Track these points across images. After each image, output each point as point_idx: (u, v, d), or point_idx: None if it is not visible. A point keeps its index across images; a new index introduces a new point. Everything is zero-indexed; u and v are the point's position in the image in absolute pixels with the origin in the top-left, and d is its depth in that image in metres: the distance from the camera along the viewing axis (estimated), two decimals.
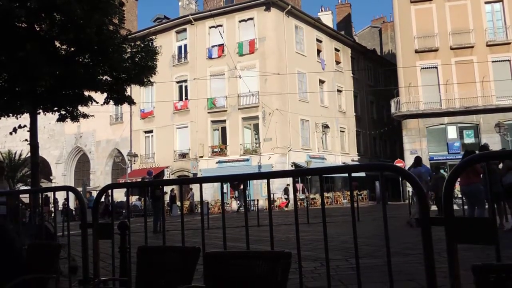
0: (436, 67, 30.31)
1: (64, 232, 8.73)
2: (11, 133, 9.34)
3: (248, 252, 2.49)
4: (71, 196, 3.74)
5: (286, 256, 2.15)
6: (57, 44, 8.87)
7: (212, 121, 32.08)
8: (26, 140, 9.31)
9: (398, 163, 27.49)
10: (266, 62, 30.60)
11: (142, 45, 9.97)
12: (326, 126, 33.87)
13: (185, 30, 33.90)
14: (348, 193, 15.88)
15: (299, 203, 22.40)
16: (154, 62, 9.99)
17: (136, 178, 30.67)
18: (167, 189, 23.42)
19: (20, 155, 36.69)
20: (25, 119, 9.44)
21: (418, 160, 11.42)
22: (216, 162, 31.02)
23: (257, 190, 27.93)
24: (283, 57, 31.21)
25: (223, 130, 31.81)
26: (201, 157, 31.72)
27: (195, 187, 28.49)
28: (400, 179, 27.23)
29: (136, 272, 2.88)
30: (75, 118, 9.96)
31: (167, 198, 23.76)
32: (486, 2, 30.19)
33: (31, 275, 3.03)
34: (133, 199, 30.35)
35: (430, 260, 2.00)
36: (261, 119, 30.36)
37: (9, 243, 3.07)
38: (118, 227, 3.39)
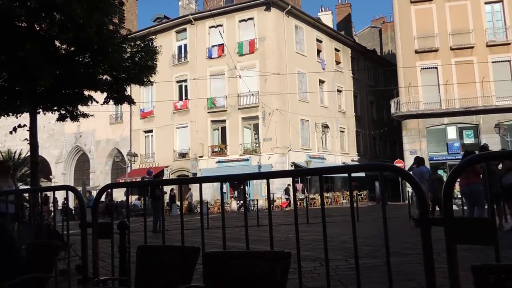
0: (436, 68, 30.32)
1: (64, 232, 8.72)
2: (11, 132, 9.35)
3: (248, 252, 2.49)
4: (71, 195, 3.74)
5: (285, 256, 2.15)
6: (57, 43, 8.87)
7: (212, 121, 32.08)
8: (26, 139, 9.31)
9: (398, 163, 27.49)
10: (266, 62, 30.60)
11: (142, 44, 9.96)
12: (326, 126, 33.87)
13: (185, 30, 33.90)
14: (348, 193, 15.89)
15: (298, 203, 22.41)
16: (154, 62, 9.98)
17: (135, 177, 30.68)
18: (167, 188, 23.42)
19: (20, 154, 36.65)
20: (25, 118, 9.44)
21: (420, 160, 11.48)
22: (216, 162, 31.03)
23: (257, 190, 27.94)
24: (283, 57, 31.21)
25: (223, 130, 31.81)
26: (201, 156, 31.72)
27: (194, 187, 28.50)
28: (399, 180, 27.25)
29: (135, 271, 2.88)
30: (75, 117, 9.96)
31: (166, 197, 23.77)
32: (486, 3, 30.20)
33: (30, 274, 3.03)
34: (133, 198, 30.35)
35: (429, 260, 2.01)
36: (261, 119, 30.36)
37: (9, 243, 3.07)
38: (118, 227, 3.39)
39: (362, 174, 26.80)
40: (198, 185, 3.10)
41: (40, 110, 9.42)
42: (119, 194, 23.03)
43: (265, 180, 2.92)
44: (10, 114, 9.49)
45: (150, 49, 9.92)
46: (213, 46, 32.22)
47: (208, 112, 31.99)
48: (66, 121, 10.15)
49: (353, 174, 2.49)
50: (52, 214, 13.07)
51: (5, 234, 3.10)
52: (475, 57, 29.57)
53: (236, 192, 30.37)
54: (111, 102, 10.16)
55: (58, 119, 10.11)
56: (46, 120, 27.45)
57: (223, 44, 30.93)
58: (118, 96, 10.05)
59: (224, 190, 28.15)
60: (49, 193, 14.92)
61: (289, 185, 27.33)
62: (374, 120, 41.75)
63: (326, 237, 2.44)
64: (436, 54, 30.34)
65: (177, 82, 33.72)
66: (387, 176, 20.06)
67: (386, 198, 18.20)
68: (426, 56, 30.46)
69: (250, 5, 31.60)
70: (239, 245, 7.11)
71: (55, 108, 9.61)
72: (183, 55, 33.96)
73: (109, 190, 3.71)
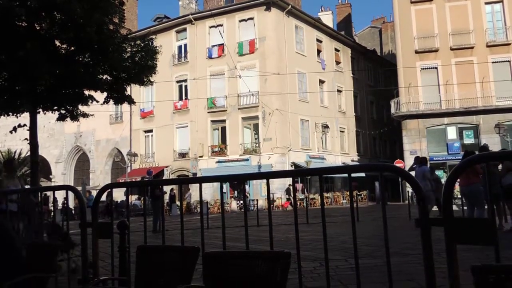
0: (436, 68, 30.32)
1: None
2: (11, 132, 9.36)
3: (248, 252, 2.49)
4: (71, 195, 3.74)
5: (285, 256, 2.15)
6: (57, 43, 8.87)
7: (212, 121, 32.08)
8: (26, 139, 9.31)
9: (398, 164, 27.50)
10: (266, 62, 30.60)
11: (142, 44, 9.97)
12: (326, 126, 33.87)
13: (185, 29, 33.89)
14: (348, 193, 15.88)
15: (298, 203, 22.41)
16: (154, 62, 9.99)
17: (135, 177, 30.65)
18: (167, 188, 23.42)
19: (20, 154, 36.59)
20: (25, 118, 9.45)
21: (423, 159, 11.54)
22: (216, 162, 31.03)
23: (257, 190, 27.94)
24: (283, 57, 31.21)
25: (223, 129, 31.81)
26: (201, 156, 31.72)
27: (194, 187, 28.49)
28: (399, 180, 27.25)
29: (135, 271, 2.88)
30: (75, 117, 9.97)
31: (166, 197, 23.77)
32: (486, 3, 30.20)
33: (30, 274, 3.03)
34: (133, 198, 30.35)
35: (429, 260, 2.01)
36: (261, 119, 30.36)
37: (9, 242, 3.07)
38: (118, 227, 3.39)
39: (362, 174, 26.80)
40: (197, 185, 3.10)
41: (40, 109, 9.43)
42: (119, 194, 23.03)
43: (265, 180, 2.92)
44: (10, 113, 9.50)
45: (150, 49, 9.92)
46: (213, 46, 32.22)
47: (208, 112, 31.99)
48: (66, 120, 10.16)
49: (353, 174, 2.49)
50: (52, 214, 13.06)
51: (5, 233, 3.10)
52: (475, 57, 29.57)
53: (236, 192, 30.37)
54: (111, 102, 10.17)
55: (58, 119, 10.12)
56: (46, 120, 27.46)
57: (223, 44, 30.92)
58: (118, 96, 10.06)
59: (224, 190, 28.15)
60: (49, 193, 14.91)
61: (290, 185, 27.34)
62: (374, 120, 41.76)
63: (326, 237, 2.44)
64: (436, 54, 30.34)
65: (177, 82, 33.72)
66: (387, 176, 20.06)
67: (386, 198, 18.20)
68: (426, 56, 30.46)
69: (250, 5, 31.60)
70: (239, 245, 7.11)
71: (55, 107, 9.62)
72: (183, 55, 33.96)
73: (109, 190, 3.71)
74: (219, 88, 31.85)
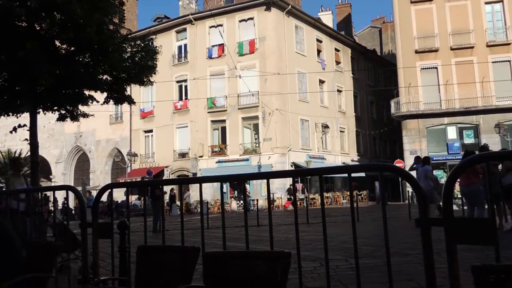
0: (436, 68, 30.31)
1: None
2: (11, 132, 9.36)
3: (248, 252, 2.49)
4: (71, 195, 3.74)
5: (285, 256, 2.15)
6: (57, 43, 8.87)
7: (212, 121, 32.08)
8: (26, 139, 9.31)
9: (398, 163, 27.51)
10: (266, 62, 30.60)
11: (142, 44, 9.95)
12: (326, 126, 33.87)
13: (185, 29, 33.90)
14: (348, 193, 15.88)
15: (298, 203, 22.41)
16: (154, 62, 9.98)
17: (135, 177, 30.68)
18: (167, 188, 23.42)
19: (20, 154, 36.57)
20: (25, 118, 9.45)
21: (426, 159, 11.57)
22: (216, 162, 31.03)
23: (257, 190, 27.95)
24: (283, 57, 31.21)
25: (223, 129, 31.81)
26: (201, 156, 31.72)
27: (194, 187, 28.50)
28: (399, 180, 27.25)
29: (135, 271, 2.88)
30: (75, 117, 9.96)
31: (166, 197, 23.77)
32: (486, 3, 30.20)
33: (30, 274, 3.03)
34: (133, 198, 30.35)
35: (429, 260, 2.01)
36: (261, 119, 30.37)
37: (9, 242, 3.07)
38: (118, 227, 3.39)
39: (362, 174, 26.80)
40: (197, 185, 3.10)
41: (40, 110, 9.43)
42: (119, 194, 23.03)
43: (265, 180, 2.92)
44: (10, 114, 9.49)
45: (150, 49, 9.91)
46: (213, 46, 32.22)
47: (208, 112, 31.99)
48: (66, 121, 10.15)
49: (353, 174, 2.49)
50: (52, 214, 13.06)
51: (5, 234, 3.10)
52: (475, 57, 29.58)
53: (236, 192, 30.37)
54: (111, 102, 10.16)
55: (58, 119, 10.11)
56: (46, 120, 27.46)
57: (223, 44, 30.93)
58: (118, 96, 10.05)
59: (224, 190, 28.14)
60: (49, 193, 14.91)
61: (291, 185, 27.35)
62: (374, 120, 41.76)
63: (326, 237, 2.44)
64: (436, 54, 30.34)
65: (177, 82, 33.72)
66: (387, 176, 20.07)
67: (386, 198, 18.21)
68: (426, 56, 30.46)
69: (250, 5, 31.60)
70: (239, 245, 7.11)
71: (55, 108, 9.61)
72: (183, 55, 33.95)
73: (110, 190, 3.71)
74: (219, 88, 31.85)
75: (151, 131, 35.04)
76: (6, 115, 9.55)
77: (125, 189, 4.20)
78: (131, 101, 10.44)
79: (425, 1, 30.63)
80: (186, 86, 33.55)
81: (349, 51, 39.56)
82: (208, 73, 32.00)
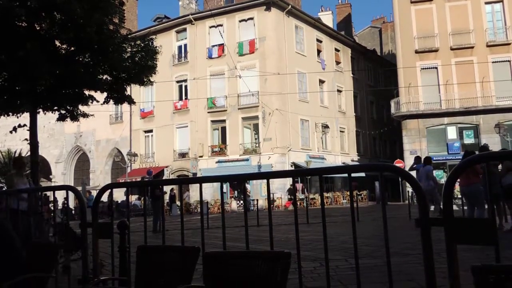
0: (436, 68, 30.31)
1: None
2: (11, 132, 9.36)
3: (248, 252, 2.49)
4: (71, 195, 3.74)
5: (285, 256, 2.15)
6: (57, 43, 8.87)
7: (212, 121, 32.08)
8: (26, 139, 9.31)
9: (398, 164, 27.50)
10: (266, 62, 30.60)
11: (142, 44, 9.96)
12: (326, 126, 33.87)
13: (185, 29, 33.89)
14: (348, 193, 15.86)
15: (298, 203, 22.41)
16: (154, 62, 9.98)
17: (135, 177, 30.66)
18: (167, 188, 23.42)
19: (20, 154, 36.59)
20: (25, 118, 9.45)
21: (427, 159, 11.58)
22: (216, 162, 31.03)
23: (257, 190, 27.94)
24: (283, 57, 31.21)
25: (223, 129, 31.81)
26: (201, 156, 31.72)
27: (194, 187, 28.49)
28: (399, 180, 27.25)
29: (135, 271, 2.88)
30: (75, 117, 9.97)
31: (166, 197, 23.77)
32: (486, 3, 30.19)
33: (30, 274, 3.03)
34: (133, 198, 30.35)
35: (429, 261, 2.01)
36: (261, 119, 30.37)
37: (9, 242, 3.07)
38: (118, 227, 3.40)
39: (362, 174, 26.80)
40: (197, 185, 3.10)
41: (40, 110, 9.43)
42: (119, 194, 23.03)
43: (265, 180, 2.92)
44: (10, 114, 9.50)
45: (150, 49, 9.92)
46: (213, 46, 32.22)
47: (208, 112, 31.99)
48: (66, 121, 10.16)
49: (353, 174, 2.49)
50: (52, 214, 13.06)
51: (5, 233, 3.10)
52: (475, 57, 29.57)
53: (236, 192, 30.37)
54: (111, 102, 10.17)
55: (58, 119, 10.12)
56: (46, 120, 27.45)
57: (223, 44, 30.93)
58: (118, 96, 10.06)
59: (224, 190, 28.15)
60: (49, 193, 14.92)
61: (291, 185, 27.35)
62: (374, 120, 41.76)
63: (326, 237, 2.44)
64: (436, 54, 30.34)
65: (177, 82, 33.72)
66: (387, 176, 20.07)
67: (386, 198, 18.20)
68: (426, 56, 30.46)
69: (250, 5, 31.60)
70: (239, 245, 7.11)
71: (55, 108, 9.62)
72: (183, 55, 33.95)
73: (110, 190, 3.71)
74: (219, 88, 31.85)
75: (151, 131, 35.04)
76: (6, 115, 9.56)
77: (125, 189, 4.21)
78: (131, 101, 10.45)
79: (425, 1, 30.62)
80: (186, 86, 33.55)
81: (349, 51, 39.56)
82: (208, 73, 32.00)
